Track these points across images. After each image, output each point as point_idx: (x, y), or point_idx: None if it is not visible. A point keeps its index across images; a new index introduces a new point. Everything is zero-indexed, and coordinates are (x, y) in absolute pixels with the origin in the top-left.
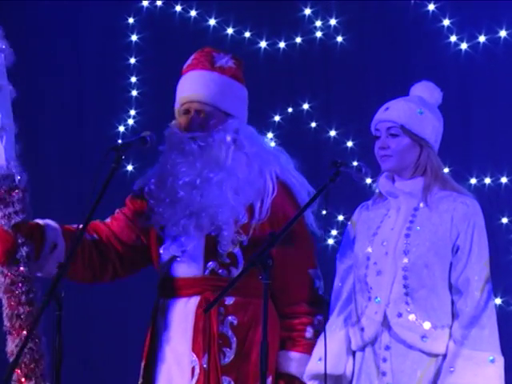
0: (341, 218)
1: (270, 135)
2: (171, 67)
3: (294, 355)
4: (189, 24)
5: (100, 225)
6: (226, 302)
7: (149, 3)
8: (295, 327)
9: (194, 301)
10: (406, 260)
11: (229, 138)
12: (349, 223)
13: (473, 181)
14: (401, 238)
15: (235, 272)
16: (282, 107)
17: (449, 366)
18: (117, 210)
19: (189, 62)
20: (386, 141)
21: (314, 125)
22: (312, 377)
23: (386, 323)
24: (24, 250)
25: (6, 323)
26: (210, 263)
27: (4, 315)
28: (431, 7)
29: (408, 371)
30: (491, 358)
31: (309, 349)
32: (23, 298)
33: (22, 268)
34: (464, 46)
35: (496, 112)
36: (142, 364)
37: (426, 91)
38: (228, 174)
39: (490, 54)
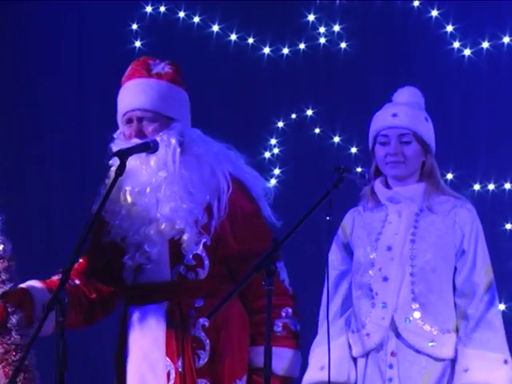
0: None
1: (273, 141)
2: None
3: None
4: (192, 30)
5: (76, 268)
6: (196, 305)
7: (152, 9)
8: (262, 322)
9: (164, 306)
10: (413, 265)
11: (173, 141)
12: (339, 229)
13: (476, 187)
14: (406, 243)
15: (202, 273)
16: (285, 113)
17: (462, 367)
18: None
19: (126, 73)
20: (398, 147)
21: (317, 131)
22: None
23: (392, 329)
24: (14, 318)
25: None
26: (177, 267)
27: None
28: (434, 13)
29: (416, 377)
30: (505, 359)
31: (277, 342)
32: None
33: (14, 336)
34: (467, 52)
35: (499, 118)
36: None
37: (414, 96)
38: (178, 176)
39: (493, 60)
